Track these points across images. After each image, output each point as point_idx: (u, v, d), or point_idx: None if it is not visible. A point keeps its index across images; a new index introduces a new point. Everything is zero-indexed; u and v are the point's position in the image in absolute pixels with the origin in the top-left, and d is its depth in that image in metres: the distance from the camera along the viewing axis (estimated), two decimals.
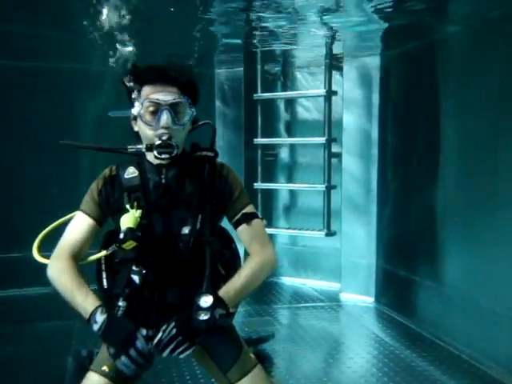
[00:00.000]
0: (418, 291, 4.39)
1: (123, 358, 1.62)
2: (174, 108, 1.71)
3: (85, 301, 1.69)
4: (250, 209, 1.86)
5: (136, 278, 1.73)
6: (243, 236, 1.85)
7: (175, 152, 1.70)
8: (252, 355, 1.92)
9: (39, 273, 5.24)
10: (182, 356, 1.66)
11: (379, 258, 5.02)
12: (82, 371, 1.84)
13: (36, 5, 3.53)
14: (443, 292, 4.03)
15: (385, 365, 3.62)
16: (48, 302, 4.89)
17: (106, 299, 1.78)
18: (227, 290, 1.74)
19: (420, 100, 4.47)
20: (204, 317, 1.64)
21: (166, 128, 1.70)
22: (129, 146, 1.78)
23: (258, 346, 2.06)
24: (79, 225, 1.80)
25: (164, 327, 1.66)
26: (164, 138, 1.68)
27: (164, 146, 1.69)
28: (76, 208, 1.85)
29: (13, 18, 3.84)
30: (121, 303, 1.72)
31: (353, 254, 5.15)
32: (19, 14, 3.75)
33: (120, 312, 1.71)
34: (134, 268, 1.75)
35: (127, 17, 3.72)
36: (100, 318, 1.64)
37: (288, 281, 5.80)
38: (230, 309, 1.71)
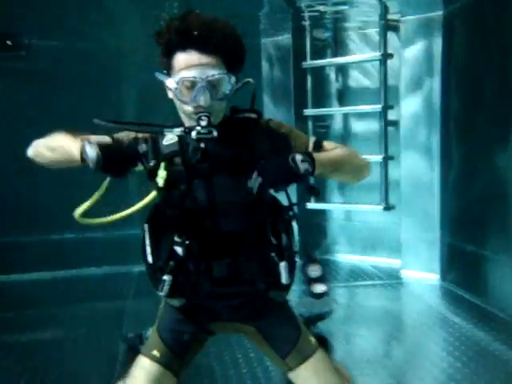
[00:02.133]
0: (490, 267, 4.03)
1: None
2: (212, 83, 1.54)
3: (74, 141, 1.57)
4: (312, 140, 1.72)
5: (179, 250, 1.61)
6: None
7: (215, 134, 1.55)
8: (312, 338, 1.76)
9: (90, 253, 5.22)
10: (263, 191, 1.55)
11: (444, 231, 4.68)
12: (134, 354, 1.76)
13: None
14: None
15: (456, 348, 3.31)
16: (99, 282, 4.97)
17: (153, 275, 1.67)
18: (319, 152, 1.63)
19: (487, 59, 4.06)
20: (321, 289, 1.58)
21: (204, 106, 1.55)
22: (165, 129, 1.63)
23: (316, 325, 1.89)
24: (98, 137, 1.65)
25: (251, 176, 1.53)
26: (203, 122, 1.53)
27: (203, 133, 1.54)
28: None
29: None
30: (166, 277, 1.60)
31: (414, 228, 4.84)
32: None
33: (166, 287, 1.60)
34: (176, 239, 1.62)
35: None
36: (91, 151, 1.47)
37: (344, 258, 5.56)
38: (316, 165, 1.54)
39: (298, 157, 1.53)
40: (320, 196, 5.32)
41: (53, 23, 4.59)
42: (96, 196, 1.63)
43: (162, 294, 1.61)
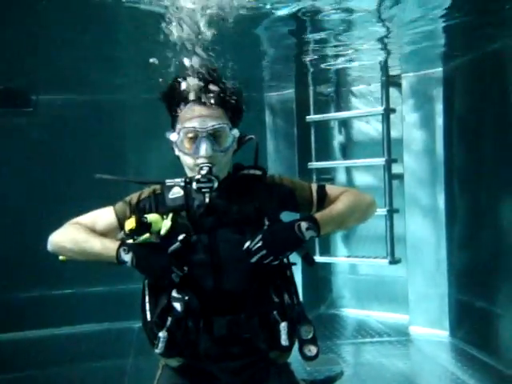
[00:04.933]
0: (502, 325, 3.92)
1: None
2: (213, 134, 1.60)
3: (104, 244, 1.61)
4: (314, 187, 1.76)
5: (178, 306, 1.56)
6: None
7: (216, 185, 1.58)
8: None
9: (90, 309, 5.07)
10: (265, 261, 1.57)
11: (452, 287, 4.59)
12: None
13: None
14: None
15: None
16: (100, 339, 4.82)
17: (151, 332, 1.61)
18: (321, 212, 1.67)
19: (489, 113, 4.11)
20: (312, 351, 1.55)
21: (206, 158, 1.58)
22: (166, 180, 1.67)
23: None
24: (102, 215, 1.72)
25: (253, 238, 1.57)
26: (204, 171, 1.56)
27: (203, 182, 1.57)
28: None
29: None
30: (161, 334, 1.54)
31: (421, 282, 4.76)
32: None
33: (161, 344, 1.54)
34: (174, 295, 1.57)
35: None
36: (127, 256, 1.55)
37: (351, 313, 5.46)
38: (320, 229, 1.60)
39: (304, 224, 1.57)
40: (325, 249, 5.27)
41: (59, 79, 4.69)
42: None
43: (157, 351, 1.56)
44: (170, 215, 1.61)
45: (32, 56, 3.98)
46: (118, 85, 5.01)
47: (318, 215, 1.63)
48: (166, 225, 1.59)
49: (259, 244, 1.54)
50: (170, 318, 1.56)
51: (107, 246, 1.59)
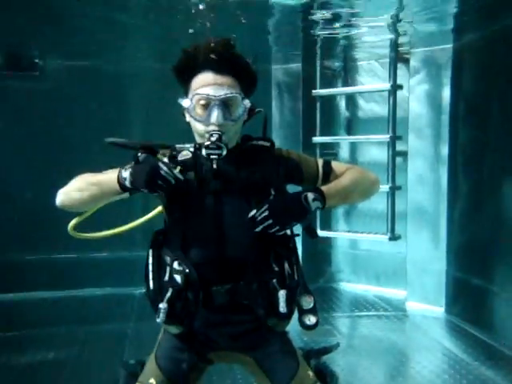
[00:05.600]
0: (497, 302, 3.98)
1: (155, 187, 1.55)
2: (225, 102, 1.60)
3: (107, 174, 1.64)
4: (320, 162, 1.77)
5: (178, 278, 1.60)
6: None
7: (224, 153, 1.58)
8: (311, 372, 1.74)
9: (93, 274, 5.13)
10: (271, 231, 1.59)
11: (450, 264, 4.64)
12: (134, 381, 1.74)
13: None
14: None
15: (457, 382, 3.28)
16: (102, 303, 4.92)
17: (153, 301, 1.66)
18: (327, 185, 1.70)
19: (496, 92, 4.09)
20: (311, 321, 1.59)
21: (216, 125, 1.59)
22: (177, 145, 1.69)
23: (320, 358, 1.86)
24: (110, 174, 1.68)
25: (259, 207, 1.58)
26: (213, 138, 1.57)
27: (212, 148, 1.58)
28: None
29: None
30: (161, 305, 1.58)
31: (419, 259, 4.81)
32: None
33: (162, 315, 1.58)
34: (175, 267, 1.61)
35: None
36: (125, 173, 1.57)
37: (349, 287, 5.52)
38: (326, 201, 1.63)
39: (310, 195, 1.59)
40: (326, 223, 5.32)
41: (66, 44, 4.67)
42: (88, 213, 1.78)
43: (158, 320, 1.60)
44: (179, 168, 1.62)
45: (39, 20, 3.95)
46: (124, 51, 4.98)
47: (324, 187, 1.66)
48: (176, 171, 1.59)
49: (265, 213, 1.55)
50: (170, 289, 1.59)
51: (110, 175, 1.62)
